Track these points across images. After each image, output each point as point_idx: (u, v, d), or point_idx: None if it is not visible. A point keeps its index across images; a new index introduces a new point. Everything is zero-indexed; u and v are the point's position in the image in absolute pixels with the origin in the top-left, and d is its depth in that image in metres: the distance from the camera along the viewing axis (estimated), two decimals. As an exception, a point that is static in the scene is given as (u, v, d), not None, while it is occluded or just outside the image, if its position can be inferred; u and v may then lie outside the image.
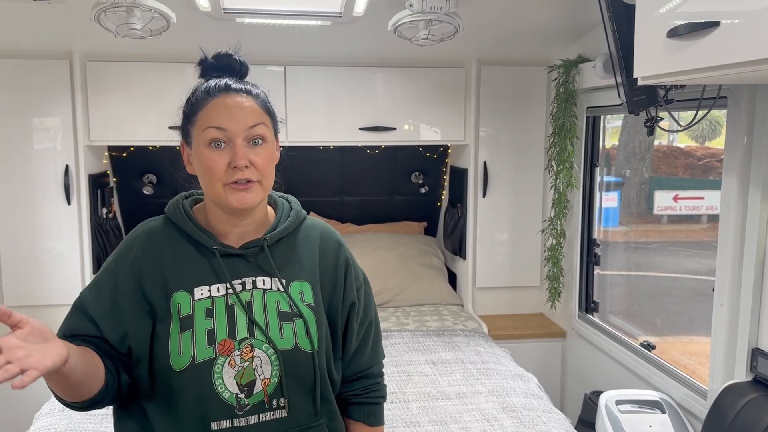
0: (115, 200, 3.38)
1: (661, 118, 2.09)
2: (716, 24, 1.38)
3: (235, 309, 1.21)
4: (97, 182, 3.11)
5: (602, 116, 3.01)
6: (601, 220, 3.14)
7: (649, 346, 2.58)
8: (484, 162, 3.32)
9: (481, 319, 3.31)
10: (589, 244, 3.09)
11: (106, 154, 3.29)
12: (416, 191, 3.78)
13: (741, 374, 1.97)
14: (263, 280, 1.25)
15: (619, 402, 2.29)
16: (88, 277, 3.04)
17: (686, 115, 2.16)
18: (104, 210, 3.16)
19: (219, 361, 1.17)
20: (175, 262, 1.24)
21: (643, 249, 3.25)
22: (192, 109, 1.24)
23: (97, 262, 3.09)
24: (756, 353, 1.92)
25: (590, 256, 3.09)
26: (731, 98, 1.96)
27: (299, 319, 1.24)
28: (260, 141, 1.22)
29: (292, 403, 1.22)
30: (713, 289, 2.08)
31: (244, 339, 1.19)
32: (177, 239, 1.26)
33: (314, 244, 1.34)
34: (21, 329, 0.97)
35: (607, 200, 3.17)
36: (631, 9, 1.80)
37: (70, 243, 3.02)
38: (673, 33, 1.50)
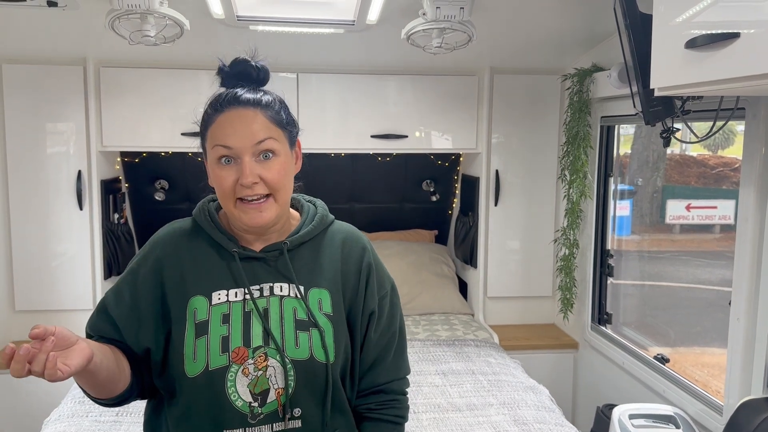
0: (127, 206, 3.39)
1: (678, 129, 2.06)
2: (736, 35, 1.36)
3: (251, 316, 1.19)
4: (109, 188, 3.11)
5: (616, 126, 2.98)
6: (615, 229, 3.10)
7: (663, 360, 2.55)
8: (496, 170, 3.30)
9: (492, 329, 3.28)
10: (602, 255, 3.06)
11: (119, 159, 3.30)
12: (427, 199, 3.76)
13: (758, 390, 1.93)
14: (281, 286, 1.23)
15: (632, 416, 2.26)
16: (99, 283, 3.04)
17: (699, 125, 2.13)
18: (116, 215, 3.17)
19: (232, 369, 1.16)
20: (194, 265, 1.23)
21: (656, 258, 3.22)
22: (203, 124, 1.24)
23: (108, 267, 3.10)
24: (774, 369, 1.88)
25: (603, 267, 3.06)
26: (749, 109, 1.93)
27: (315, 328, 1.21)
28: (270, 155, 1.19)
29: (306, 414, 1.21)
30: (729, 303, 2.04)
31: (259, 347, 1.18)
32: (199, 242, 1.25)
33: (336, 250, 1.29)
34: (47, 341, 0.99)
35: (620, 209, 3.14)
36: (647, 18, 1.78)
37: (82, 248, 3.03)
38: (692, 44, 1.48)
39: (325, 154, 3.45)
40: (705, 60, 1.46)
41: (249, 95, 1.22)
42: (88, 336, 1.25)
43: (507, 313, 3.43)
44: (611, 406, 2.41)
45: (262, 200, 1.18)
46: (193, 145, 1.35)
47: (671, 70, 1.62)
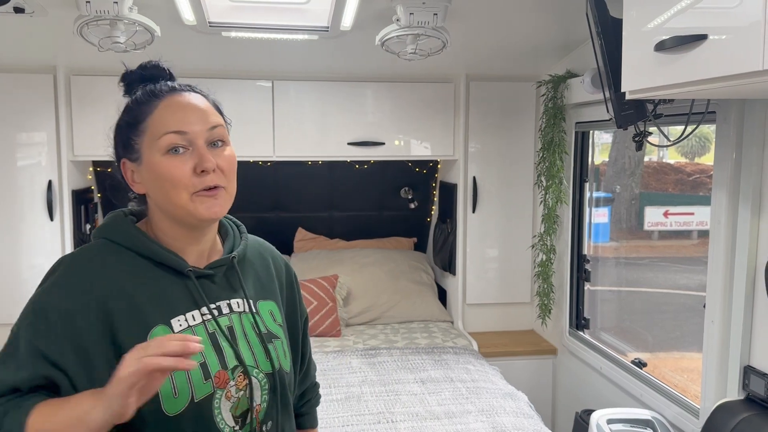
0: (99, 216, 3.33)
1: (650, 133, 2.07)
2: (704, 37, 1.37)
3: (217, 336, 1.12)
4: (80, 198, 3.06)
5: (591, 131, 3.00)
6: (591, 235, 3.12)
7: (641, 364, 2.55)
8: (474, 177, 3.30)
9: (471, 336, 3.27)
10: (579, 260, 3.07)
11: (91, 169, 3.25)
12: (406, 207, 3.75)
13: (733, 392, 1.94)
14: (237, 303, 1.17)
15: (610, 421, 2.25)
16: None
17: (675, 131, 2.15)
18: (88, 226, 3.11)
19: (217, 395, 1.09)
20: (144, 291, 1.08)
21: (635, 264, 3.23)
22: (136, 116, 1.10)
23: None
24: (748, 371, 1.89)
25: (580, 272, 3.06)
26: (720, 113, 1.94)
27: (277, 339, 1.21)
28: (220, 143, 1.11)
29: (274, 426, 1.18)
30: (704, 306, 2.05)
31: (236, 367, 1.11)
32: (138, 265, 1.10)
33: (269, 263, 1.28)
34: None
35: (598, 216, 3.16)
36: (619, 23, 1.79)
37: (53, 260, 2.94)
38: (661, 46, 1.49)
39: (301, 162, 3.43)
40: (674, 62, 1.47)
41: (184, 84, 1.14)
42: (15, 390, 1.02)
43: (486, 319, 3.42)
44: (590, 412, 2.40)
45: (216, 190, 1.09)
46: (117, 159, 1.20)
47: (641, 74, 1.63)
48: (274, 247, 1.35)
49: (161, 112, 1.09)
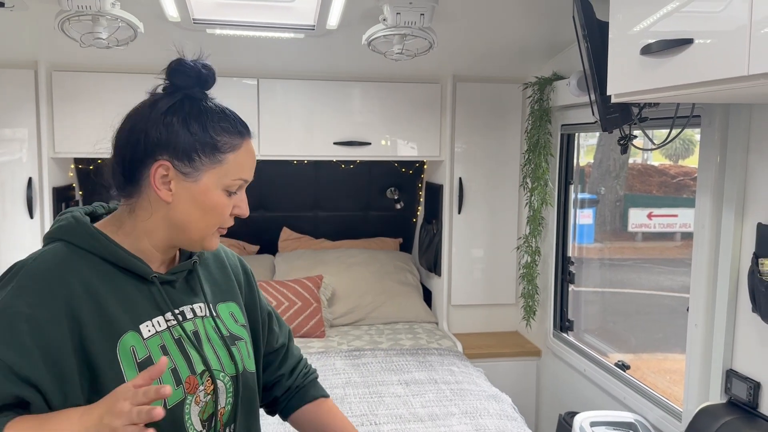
0: (81, 214, 3.29)
1: (635, 136, 2.07)
2: (690, 41, 1.37)
3: (182, 342, 1.11)
4: (61, 195, 3.02)
5: (576, 134, 3.00)
6: (575, 237, 3.12)
7: (624, 366, 2.56)
8: (460, 178, 3.30)
9: (456, 337, 3.26)
10: (563, 262, 3.07)
11: (72, 166, 3.20)
12: (392, 207, 3.74)
13: (716, 396, 1.95)
14: (199, 307, 1.17)
15: (593, 424, 2.25)
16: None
17: (660, 134, 2.15)
18: (69, 224, 3.07)
19: (188, 401, 1.08)
20: (112, 297, 1.05)
21: (618, 266, 3.25)
22: (216, 144, 1.08)
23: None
24: (730, 374, 1.90)
25: (564, 274, 3.07)
26: (704, 117, 1.95)
27: (240, 341, 1.21)
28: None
29: (240, 427, 1.19)
30: (687, 309, 2.06)
31: (203, 372, 1.11)
32: (103, 270, 1.06)
33: (224, 263, 1.28)
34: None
35: (583, 217, 3.16)
36: (605, 27, 1.79)
37: (33, 258, 2.91)
38: (647, 50, 1.49)
39: (287, 161, 3.40)
40: (659, 66, 1.47)
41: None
42: None
43: (471, 321, 3.42)
44: (573, 414, 2.40)
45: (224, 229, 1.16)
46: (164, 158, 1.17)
47: (627, 77, 1.62)
48: (224, 245, 1.33)
49: (243, 155, 1.11)
